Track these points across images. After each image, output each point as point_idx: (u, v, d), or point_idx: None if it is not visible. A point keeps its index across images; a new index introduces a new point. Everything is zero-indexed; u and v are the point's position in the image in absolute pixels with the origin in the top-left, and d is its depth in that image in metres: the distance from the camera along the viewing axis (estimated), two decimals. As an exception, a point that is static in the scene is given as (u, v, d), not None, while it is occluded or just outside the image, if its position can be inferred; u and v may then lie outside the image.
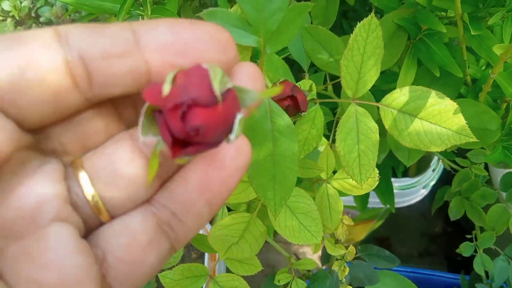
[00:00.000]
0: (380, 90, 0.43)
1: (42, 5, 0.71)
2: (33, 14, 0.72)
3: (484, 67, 0.48)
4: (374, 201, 0.63)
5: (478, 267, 0.50)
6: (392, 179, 0.65)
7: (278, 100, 0.26)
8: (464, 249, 0.50)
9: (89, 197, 0.16)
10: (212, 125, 0.14)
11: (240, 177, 0.17)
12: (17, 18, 0.71)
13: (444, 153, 0.53)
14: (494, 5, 0.38)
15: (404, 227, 0.89)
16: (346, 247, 0.47)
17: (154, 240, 0.16)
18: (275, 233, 0.96)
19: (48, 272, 0.14)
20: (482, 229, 0.52)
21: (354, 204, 0.63)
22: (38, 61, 0.14)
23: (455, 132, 0.26)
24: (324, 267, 0.49)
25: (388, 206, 0.61)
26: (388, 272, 0.44)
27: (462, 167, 0.52)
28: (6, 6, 0.70)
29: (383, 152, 0.47)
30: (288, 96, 0.26)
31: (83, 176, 0.16)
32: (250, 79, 0.16)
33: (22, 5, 0.71)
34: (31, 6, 0.72)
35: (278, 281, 0.41)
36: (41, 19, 0.71)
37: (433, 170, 0.67)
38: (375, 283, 0.43)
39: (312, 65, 0.47)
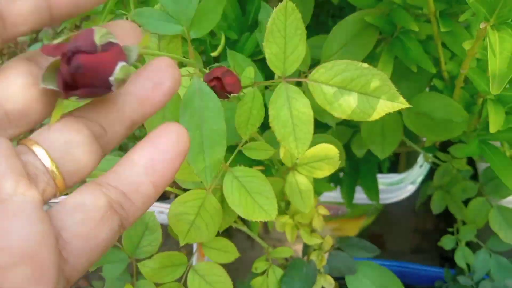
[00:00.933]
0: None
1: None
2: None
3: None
4: (362, 197, 0.64)
5: (459, 260, 0.50)
6: (379, 175, 0.66)
7: (207, 81, 0.29)
8: (445, 242, 0.51)
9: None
10: (90, 66, 0.17)
11: (182, 161, 0.19)
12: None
13: (426, 148, 0.54)
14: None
15: (396, 224, 0.90)
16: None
17: (106, 216, 0.18)
18: (267, 230, 0.97)
19: (9, 238, 0.15)
20: (464, 223, 0.53)
21: (342, 201, 0.64)
22: None
23: (387, 100, 0.27)
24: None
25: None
26: (367, 262, 0.45)
27: (445, 162, 0.53)
28: None
29: (363, 147, 0.48)
30: (215, 78, 0.28)
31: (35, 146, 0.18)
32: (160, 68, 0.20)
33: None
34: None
35: (256, 269, 0.42)
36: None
37: (420, 166, 0.68)
38: (354, 273, 0.45)
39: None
